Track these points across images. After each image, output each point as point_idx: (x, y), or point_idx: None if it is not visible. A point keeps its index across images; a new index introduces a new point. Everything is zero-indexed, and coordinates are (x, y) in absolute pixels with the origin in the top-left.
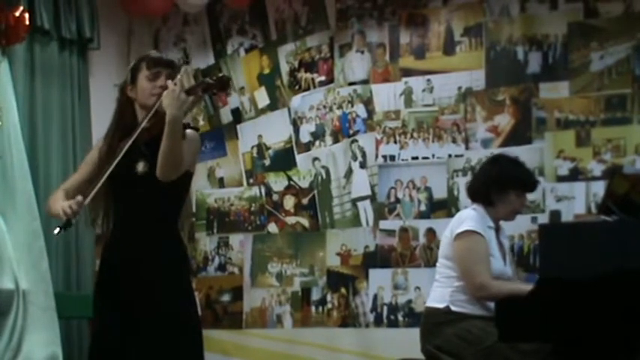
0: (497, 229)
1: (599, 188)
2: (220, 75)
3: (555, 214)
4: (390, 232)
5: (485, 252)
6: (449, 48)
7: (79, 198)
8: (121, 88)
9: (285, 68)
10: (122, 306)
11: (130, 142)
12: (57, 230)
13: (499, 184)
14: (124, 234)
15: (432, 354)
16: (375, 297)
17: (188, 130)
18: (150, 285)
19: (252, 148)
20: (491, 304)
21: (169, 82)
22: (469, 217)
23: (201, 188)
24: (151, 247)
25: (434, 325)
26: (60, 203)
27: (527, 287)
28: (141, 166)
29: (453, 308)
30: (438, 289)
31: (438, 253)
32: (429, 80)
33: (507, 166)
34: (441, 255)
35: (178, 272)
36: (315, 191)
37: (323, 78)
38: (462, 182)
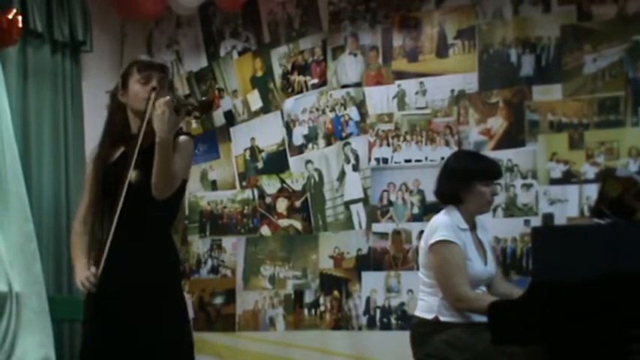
0: (473, 227)
1: (592, 191)
2: (204, 98)
3: (548, 217)
4: (382, 235)
5: (461, 261)
6: (442, 51)
7: (93, 270)
8: (112, 95)
9: (278, 71)
10: (119, 317)
11: (136, 152)
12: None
13: (464, 180)
14: (119, 243)
15: None
16: (368, 300)
17: (181, 137)
18: (145, 293)
19: (245, 150)
20: None
21: (159, 101)
22: (441, 224)
23: (194, 191)
24: (145, 256)
25: (423, 334)
26: (79, 274)
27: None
28: (134, 175)
29: (442, 319)
30: (425, 299)
31: (419, 262)
32: (421, 83)
33: (467, 160)
34: (421, 265)
35: (172, 279)
36: (308, 194)
37: (316, 81)
38: None
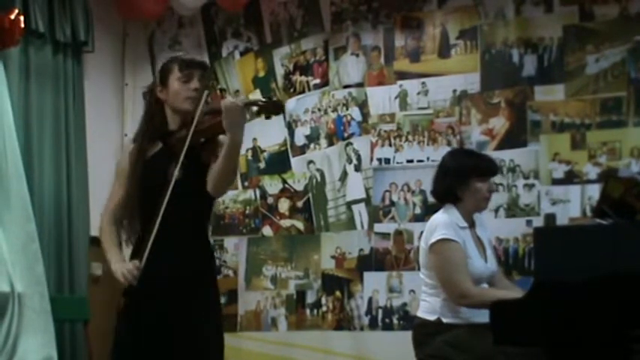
0: (472, 225)
1: (594, 191)
2: (274, 99)
3: (550, 218)
4: (384, 235)
5: (461, 258)
6: (444, 51)
7: (137, 263)
8: (150, 90)
9: (280, 71)
10: (158, 313)
11: (183, 151)
12: (124, 300)
13: (460, 177)
14: (160, 238)
15: None
16: (370, 300)
17: (222, 136)
18: (186, 290)
19: (247, 151)
20: (484, 312)
21: (228, 100)
22: (440, 223)
23: None
24: (186, 250)
25: (425, 335)
26: (118, 266)
27: (511, 294)
28: (177, 173)
29: (444, 320)
30: (427, 300)
31: (420, 263)
32: (423, 83)
33: (463, 158)
34: (422, 265)
35: (211, 276)
36: (310, 194)
37: (318, 81)
38: None
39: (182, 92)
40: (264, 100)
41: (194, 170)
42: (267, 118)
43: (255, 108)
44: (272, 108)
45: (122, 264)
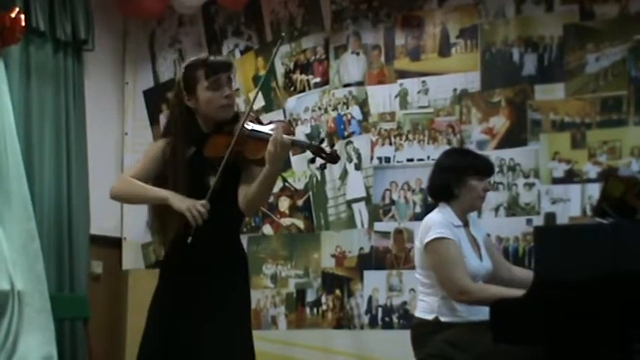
0: (466, 224)
1: (594, 190)
2: (331, 151)
3: (550, 217)
4: (384, 234)
5: (458, 256)
6: (444, 50)
7: (205, 202)
8: (177, 98)
9: (280, 70)
10: (190, 316)
11: (221, 168)
12: (190, 239)
13: (456, 175)
14: (195, 244)
15: None
16: (370, 299)
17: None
18: (218, 291)
19: None
20: (482, 310)
21: (279, 135)
22: (434, 222)
23: None
24: (219, 256)
25: (423, 335)
26: (182, 202)
27: (511, 290)
28: (211, 180)
29: (443, 319)
30: (425, 300)
31: (415, 263)
32: (424, 82)
33: (459, 156)
34: (418, 266)
35: (244, 279)
36: (310, 193)
37: (318, 79)
38: None
39: (214, 101)
40: (314, 144)
41: (228, 175)
42: (322, 167)
43: (306, 151)
44: (329, 158)
45: (188, 200)
